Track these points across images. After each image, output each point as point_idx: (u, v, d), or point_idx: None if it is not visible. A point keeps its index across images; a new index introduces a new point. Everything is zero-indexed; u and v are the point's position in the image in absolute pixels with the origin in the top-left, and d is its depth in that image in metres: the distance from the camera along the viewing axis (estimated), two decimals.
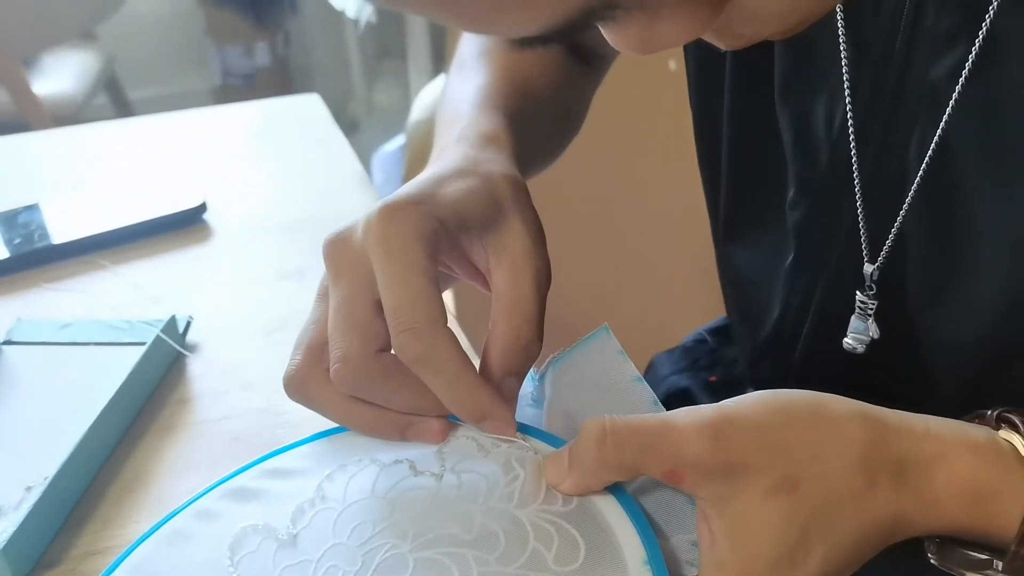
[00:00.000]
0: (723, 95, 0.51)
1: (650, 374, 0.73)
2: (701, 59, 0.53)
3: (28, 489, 0.46)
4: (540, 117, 0.56)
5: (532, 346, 0.39)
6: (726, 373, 0.69)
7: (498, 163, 0.43)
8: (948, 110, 0.39)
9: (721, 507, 0.33)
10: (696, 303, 0.99)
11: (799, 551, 0.33)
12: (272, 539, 0.37)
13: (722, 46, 0.34)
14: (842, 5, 0.42)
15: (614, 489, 0.36)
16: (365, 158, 2.38)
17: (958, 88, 0.38)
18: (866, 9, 0.41)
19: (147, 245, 0.71)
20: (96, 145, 0.91)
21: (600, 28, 0.31)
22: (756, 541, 0.33)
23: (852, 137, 0.43)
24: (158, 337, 0.56)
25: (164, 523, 0.39)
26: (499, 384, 0.39)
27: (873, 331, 0.44)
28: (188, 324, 0.60)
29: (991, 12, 0.37)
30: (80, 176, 0.83)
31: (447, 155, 0.44)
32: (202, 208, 0.74)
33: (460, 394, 0.38)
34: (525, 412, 0.43)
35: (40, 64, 2.12)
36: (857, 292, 0.45)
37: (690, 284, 1.17)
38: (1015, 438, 0.35)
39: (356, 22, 1.70)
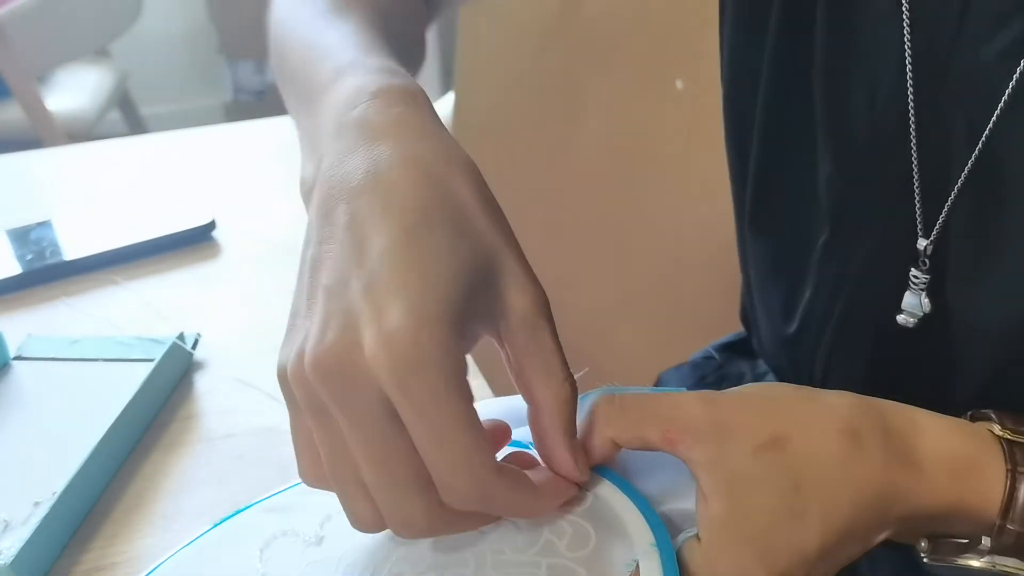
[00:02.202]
0: (758, 73, 0.51)
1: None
2: (738, 36, 0.53)
3: (36, 504, 0.47)
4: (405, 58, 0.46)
5: (573, 393, 0.36)
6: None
7: (446, 153, 0.35)
8: (1007, 90, 0.39)
9: (713, 466, 0.34)
10: (704, 319, 0.99)
11: (795, 503, 0.34)
12: (299, 540, 0.39)
13: None
14: None
15: (622, 484, 0.38)
16: None
17: (1019, 70, 0.38)
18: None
19: (157, 262, 0.72)
20: (108, 162, 0.92)
21: None
22: (749, 495, 0.34)
23: (911, 109, 0.43)
24: (166, 354, 0.56)
25: (205, 534, 0.41)
26: (562, 450, 0.36)
27: (925, 306, 0.45)
28: (196, 341, 0.60)
29: None
30: (91, 193, 0.84)
31: (365, 131, 0.35)
32: (211, 226, 0.75)
33: (546, 503, 0.36)
34: None
35: (54, 80, 2.15)
36: (911, 268, 0.45)
37: (698, 299, 1.18)
38: (991, 424, 0.37)
39: None
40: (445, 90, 2.05)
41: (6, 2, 1.93)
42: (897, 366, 0.48)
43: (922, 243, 0.44)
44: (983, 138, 0.40)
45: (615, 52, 1.18)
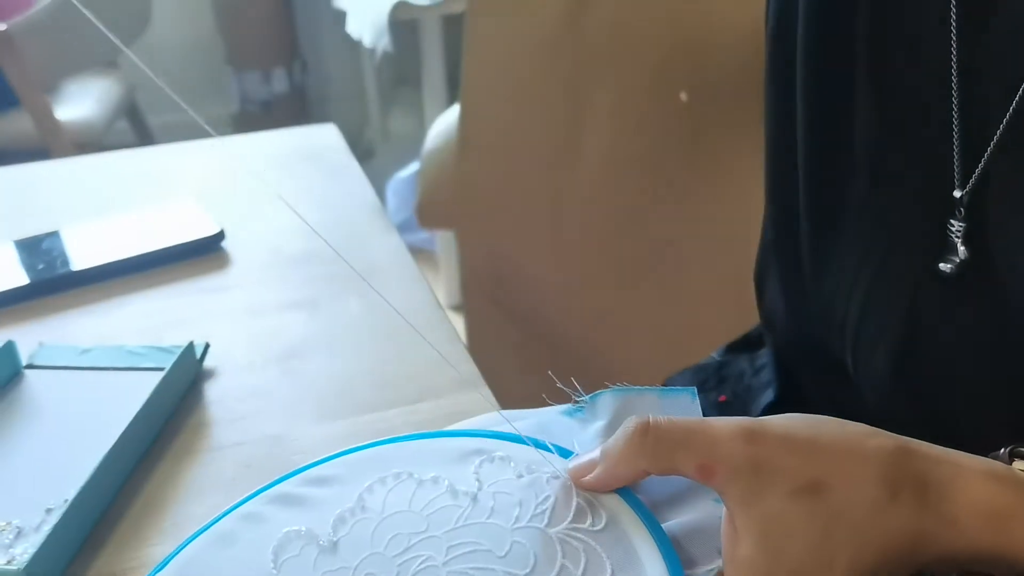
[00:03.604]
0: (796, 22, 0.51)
1: None
2: (779, 24, 0.53)
3: (48, 511, 0.48)
4: None
5: None
6: (734, 390, 0.70)
7: None
8: None
9: (748, 505, 0.35)
10: (711, 323, 1.00)
11: (824, 552, 0.34)
12: (314, 545, 0.39)
13: None
14: None
15: (641, 511, 0.38)
16: (380, 184, 2.40)
17: None
18: None
19: (167, 272, 0.73)
20: (117, 173, 0.93)
21: None
22: (781, 538, 0.34)
23: (953, 62, 0.43)
24: (176, 363, 0.57)
25: (211, 525, 0.41)
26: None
27: (962, 254, 0.45)
28: (205, 350, 0.61)
29: None
30: (101, 203, 0.85)
31: None
32: (220, 236, 0.76)
33: None
34: (563, 421, 0.45)
35: (63, 91, 2.16)
36: (949, 217, 0.45)
37: (705, 304, 1.19)
38: None
39: (372, 51, 1.72)
40: (451, 100, 2.06)
41: (16, 13, 1.95)
42: (936, 323, 0.48)
43: (958, 193, 0.44)
44: (1019, 93, 0.40)
45: (619, 64, 1.19)
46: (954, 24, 0.43)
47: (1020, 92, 0.40)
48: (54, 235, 0.76)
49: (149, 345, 0.61)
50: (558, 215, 1.25)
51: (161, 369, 0.58)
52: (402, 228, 2.32)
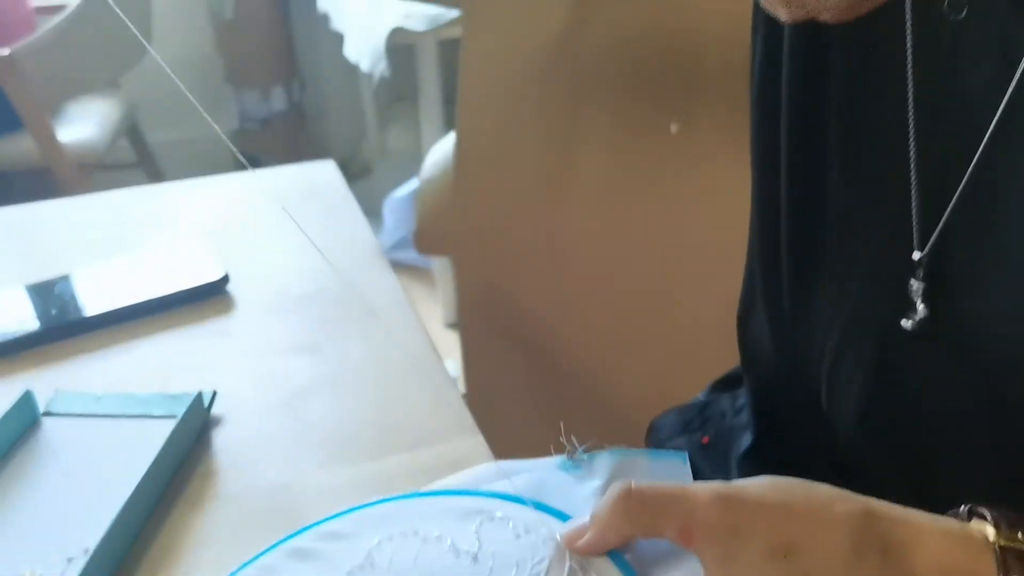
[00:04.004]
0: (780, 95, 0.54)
1: (651, 439, 0.77)
2: (764, 64, 0.56)
3: (69, 560, 0.51)
4: None
5: None
6: (716, 430, 0.73)
7: None
8: (993, 121, 0.42)
9: (725, 567, 0.38)
10: (701, 352, 1.03)
11: None
12: None
13: (785, 15, 0.40)
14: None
15: (628, 573, 0.41)
16: (377, 201, 2.44)
17: (1003, 104, 0.41)
18: (934, 9, 0.44)
19: (173, 316, 0.76)
20: (122, 211, 0.96)
21: None
22: None
23: (911, 131, 0.46)
24: (186, 413, 0.60)
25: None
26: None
27: (922, 312, 0.48)
28: (213, 398, 0.64)
29: None
30: (108, 243, 0.88)
31: None
32: (225, 280, 0.78)
33: None
34: (560, 477, 0.48)
35: (64, 112, 2.19)
36: (911, 276, 0.48)
37: (695, 333, 1.21)
38: (987, 527, 0.39)
39: (370, 76, 1.75)
40: (448, 117, 2.09)
41: (20, 38, 1.98)
42: (903, 373, 0.51)
43: (917, 255, 0.47)
44: (972, 164, 0.43)
45: (612, 93, 1.22)
46: (912, 97, 0.46)
47: (974, 162, 0.43)
48: (65, 279, 0.79)
49: (159, 393, 0.64)
50: (553, 242, 1.28)
51: (171, 417, 0.61)
52: (399, 246, 2.35)
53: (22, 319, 0.74)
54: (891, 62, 0.46)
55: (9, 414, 0.60)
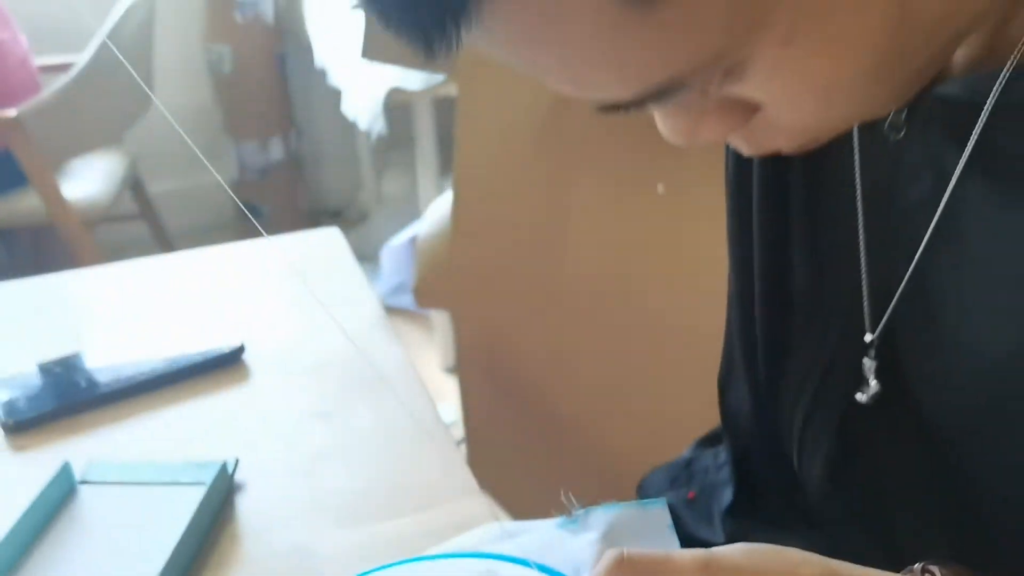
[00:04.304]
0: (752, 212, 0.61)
1: (641, 496, 0.82)
2: (735, 174, 0.62)
3: None
4: None
5: None
6: (700, 486, 0.78)
7: None
8: (929, 231, 0.48)
9: None
10: (689, 408, 1.08)
11: None
12: None
13: (745, 151, 0.44)
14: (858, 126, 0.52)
15: None
16: (375, 247, 2.50)
17: (936, 218, 0.47)
18: (877, 131, 0.50)
19: (192, 385, 0.81)
20: (135, 282, 1.01)
21: (655, 107, 0.40)
22: None
23: (861, 236, 0.52)
24: (213, 481, 0.65)
25: None
26: None
27: (874, 387, 0.53)
28: (236, 465, 0.70)
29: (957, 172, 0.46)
30: (121, 315, 0.93)
31: None
32: (241, 349, 0.84)
33: None
34: (559, 534, 0.54)
35: (69, 168, 2.25)
36: (864, 356, 0.54)
37: (684, 390, 1.27)
38: None
39: (368, 134, 1.82)
40: (443, 164, 2.16)
41: (26, 99, 2.05)
42: (862, 440, 0.57)
43: (869, 337, 0.54)
44: (913, 266, 0.49)
45: (603, 153, 1.28)
46: (860, 204, 0.52)
47: (915, 263, 0.50)
48: (75, 357, 0.84)
49: (187, 461, 0.70)
50: (549, 296, 1.34)
51: (200, 484, 0.66)
52: (396, 291, 2.41)
53: (45, 394, 0.79)
54: (843, 171, 0.53)
55: (51, 484, 0.66)
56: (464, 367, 1.53)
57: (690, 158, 1.28)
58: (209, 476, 0.66)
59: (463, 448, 1.47)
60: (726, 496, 0.71)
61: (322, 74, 2.30)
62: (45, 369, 0.83)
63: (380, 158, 2.89)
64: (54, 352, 0.84)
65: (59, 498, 0.66)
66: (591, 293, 1.29)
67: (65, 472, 0.67)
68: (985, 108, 0.42)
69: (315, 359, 0.84)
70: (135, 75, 2.13)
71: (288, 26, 2.71)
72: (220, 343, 0.84)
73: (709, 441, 0.81)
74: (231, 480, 0.69)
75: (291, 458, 0.72)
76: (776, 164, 0.57)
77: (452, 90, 1.77)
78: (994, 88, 0.42)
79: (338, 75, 2.12)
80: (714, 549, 0.46)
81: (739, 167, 0.61)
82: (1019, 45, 0.41)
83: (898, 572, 0.47)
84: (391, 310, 2.28)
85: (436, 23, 0.32)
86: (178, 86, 2.73)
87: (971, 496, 0.51)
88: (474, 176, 1.35)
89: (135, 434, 0.76)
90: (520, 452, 1.41)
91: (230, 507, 0.67)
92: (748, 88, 0.38)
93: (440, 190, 2.05)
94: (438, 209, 1.46)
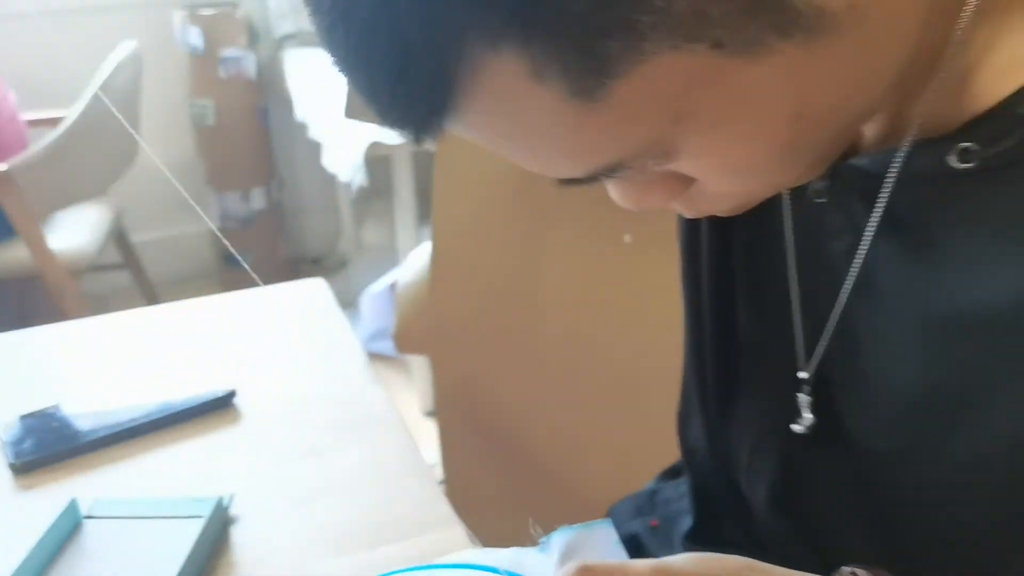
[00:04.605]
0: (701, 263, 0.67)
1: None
2: (686, 233, 0.69)
3: None
4: None
5: None
6: (663, 515, 0.84)
7: None
8: (851, 281, 0.54)
9: None
10: (654, 443, 1.14)
11: None
12: None
13: (687, 214, 0.51)
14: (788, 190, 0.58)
15: None
16: (355, 294, 2.56)
17: (856, 271, 0.54)
18: (804, 195, 0.57)
19: (187, 428, 0.86)
20: (122, 334, 1.06)
21: (606, 181, 0.47)
22: None
23: (793, 283, 0.59)
24: (211, 513, 0.71)
25: None
26: None
27: (808, 420, 0.59)
28: (231, 500, 0.75)
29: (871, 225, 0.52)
30: (113, 365, 0.98)
31: None
32: (232, 394, 0.90)
33: None
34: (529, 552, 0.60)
35: (55, 220, 2.31)
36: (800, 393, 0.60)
37: (650, 427, 1.33)
38: None
39: (348, 185, 1.89)
40: (421, 210, 2.23)
41: (14, 154, 2.10)
42: (801, 468, 0.63)
43: (803, 375, 0.60)
44: (840, 313, 0.56)
45: (573, 206, 1.35)
46: (792, 258, 0.59)
47: (841, 311, 0.56)
48: (56, 408, 0.89)
49: (185, 496, 0.75)
50: (525, 342, 1.40)
51: (198, 517, 0.71)
52: (376, 336, 2.47)
53: (50, 437, 0.84)
54: (776, 229, 0.60)
55: (60, 518, 0.71)
56: (442, 410, 1.58)
57: (654, 211, 1.36)
58: (206, 510, 0.71)
59: (443, 486, 1.52)
60: (686, 523, 0.77)
61: (303, 128, 2.37)
62: (59, 410, 0.88)
63: (359, 208, 2.96)
64: (75, 398, 0.90)
65: (67, 531, 0.72)
66: (563, 338, 1.36)
67: (72, 508, 0.73)
68: (886, 180, 0.49)
69: (304, 402, 0.90)
70: (127, 125, 2.20)
71: (269, 81, 2.79)
72: (212, 388, 0.90)
73: (671, 474, 0.87)
74: (227, 513, 0.74)
75: (282, 493, 0.78)
76: (720, 223, 0.64)
77: (431, 145, 1.84)
78: (893, 162, 0.49)
79: (318, 130, 2.19)
80: (666, 558, 0.52)
81: (689, 225, 0.69)
82: (914, 126, 0.48)
83: None
84: (371, 355, 2.33)
85: (424, 120, 0.40)
86: (164, 139, 2.80)
87: (899, 514, 0.58)
88: (452, 228, 1.42)
89: (135, 473, 0.81)
90: (496, 488, 1.46)
91: (226, 539, 0.72)
92: (682, 166, 0.45)
93: (418, 239, 2.11)
94: (418, 258, 1.53)
